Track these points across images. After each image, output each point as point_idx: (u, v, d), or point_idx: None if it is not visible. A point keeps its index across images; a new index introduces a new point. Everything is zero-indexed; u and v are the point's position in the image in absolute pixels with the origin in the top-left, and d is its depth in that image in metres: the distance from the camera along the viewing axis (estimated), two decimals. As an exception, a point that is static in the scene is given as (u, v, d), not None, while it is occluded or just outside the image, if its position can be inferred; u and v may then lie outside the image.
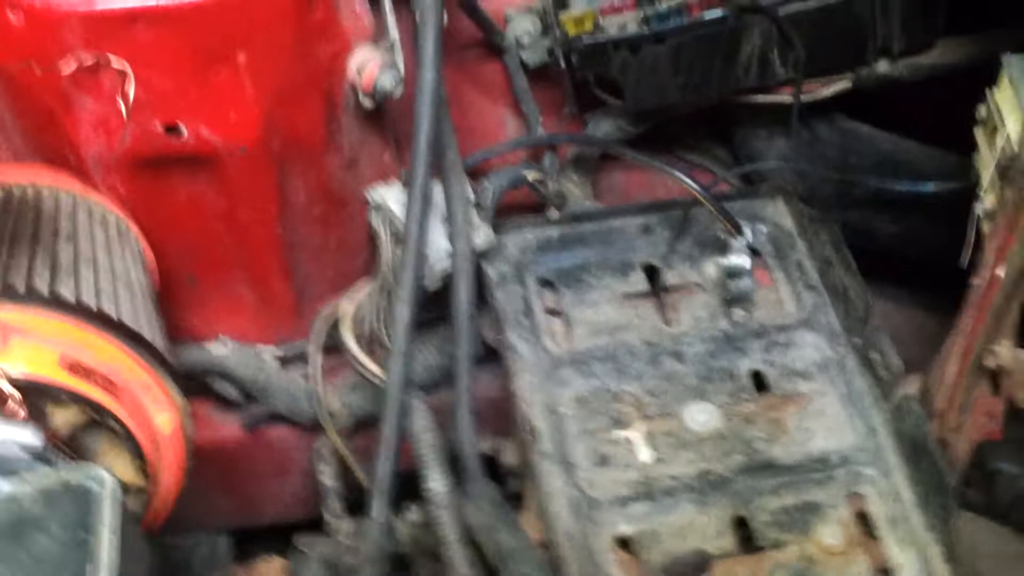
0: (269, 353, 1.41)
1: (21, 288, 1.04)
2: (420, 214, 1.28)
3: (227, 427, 1.41)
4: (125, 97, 1.15)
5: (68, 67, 1.13)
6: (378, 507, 1.22)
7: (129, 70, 1.14)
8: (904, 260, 1.54)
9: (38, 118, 1.20)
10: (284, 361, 1.43)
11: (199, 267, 1.33)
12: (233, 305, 1.37)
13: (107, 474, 0.85)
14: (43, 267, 1.07)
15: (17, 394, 0.95)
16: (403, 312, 1.27)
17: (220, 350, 1.37)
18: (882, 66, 1.47)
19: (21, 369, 0.98)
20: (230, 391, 1.39)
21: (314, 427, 1.42)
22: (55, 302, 1.05)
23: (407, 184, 1.29)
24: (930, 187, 1.46)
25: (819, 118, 1.54)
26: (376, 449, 1.25)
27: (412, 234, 1.28)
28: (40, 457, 0.94)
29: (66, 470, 0.87)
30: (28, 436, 0.94)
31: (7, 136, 1.26)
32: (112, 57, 1.13)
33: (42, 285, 1.06)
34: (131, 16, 1.10)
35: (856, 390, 1.28)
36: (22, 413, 0.96)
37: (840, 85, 1.49)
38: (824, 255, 1.39)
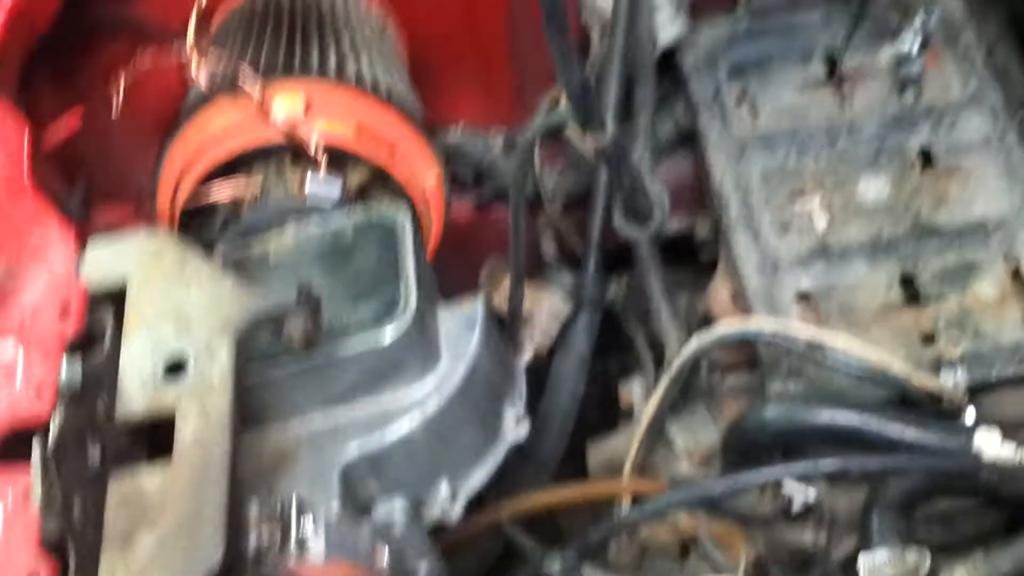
0: (495, 138, 1.58)
1: (318, 67, 1.25)
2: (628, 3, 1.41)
3: (460, 206, 1.57)
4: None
5: None
6: (594, 260, 1.40)
7: None
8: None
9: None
10: (508, 146, 1.59)
11: (437, 61, 1.51)
12: (464, 96, 1.56)
13: (406, 211, 1.07)
14: (332, 50, 1.28)
15: (323, 154, 1.18)
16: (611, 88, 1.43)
17: (454, 136, 1.54)
18: None
19: (324, 134, 1.18)
20: (463, 173, 1.57)
21: (534, 204, 1.58)
22: (346, 79, 1.25)
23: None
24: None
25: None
26: (589, 217, 1.43)
27: (620, 18, 1.41)
28: (340, 206, 1.18)
29: (374, 209, 1.09)
30: (333, 188, 1.17)
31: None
32: None
33: (334, 65, 1.26)
34: None
35: (1014, 161, 1.40)
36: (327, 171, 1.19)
37: None
38: (991, 37, 1.49)
